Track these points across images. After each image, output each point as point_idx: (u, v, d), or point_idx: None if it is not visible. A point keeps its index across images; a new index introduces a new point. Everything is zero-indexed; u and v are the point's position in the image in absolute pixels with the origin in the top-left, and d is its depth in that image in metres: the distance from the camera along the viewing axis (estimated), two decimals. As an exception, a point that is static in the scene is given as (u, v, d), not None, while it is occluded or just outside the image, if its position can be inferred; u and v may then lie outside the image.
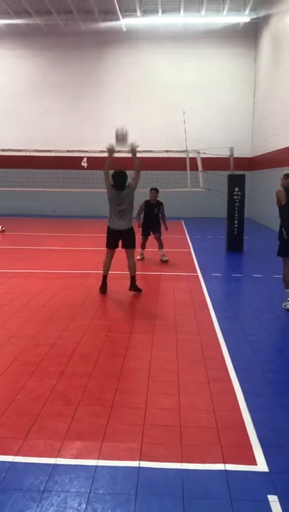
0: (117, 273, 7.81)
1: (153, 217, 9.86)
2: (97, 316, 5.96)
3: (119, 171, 7.07)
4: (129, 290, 7.16)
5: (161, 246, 9.97)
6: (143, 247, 9.87)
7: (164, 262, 9.63)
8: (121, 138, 7.11)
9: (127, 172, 7.15)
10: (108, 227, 7.22)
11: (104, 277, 7.21)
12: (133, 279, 7.23)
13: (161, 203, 9.97)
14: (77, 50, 19.89)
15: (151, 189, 9.93)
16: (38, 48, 20.01)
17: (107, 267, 7.23)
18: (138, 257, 9.70)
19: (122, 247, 7.26)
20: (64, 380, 4.06)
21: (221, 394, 3.87)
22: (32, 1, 17.08)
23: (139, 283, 7.36)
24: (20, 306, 6.35)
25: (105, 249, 7.30)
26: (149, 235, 9.91)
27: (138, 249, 9.34)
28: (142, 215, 9.87)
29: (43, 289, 7.31)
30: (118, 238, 7.19)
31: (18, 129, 19.78)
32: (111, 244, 7.23)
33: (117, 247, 7.27)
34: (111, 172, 7.11)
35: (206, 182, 13.49)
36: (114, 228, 7.13)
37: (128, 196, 7.09)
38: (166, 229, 10.05)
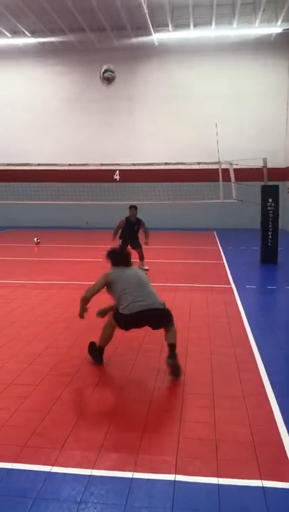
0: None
1: (132, 233, 9.97)
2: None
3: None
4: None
5: (141, 258, 9.99)
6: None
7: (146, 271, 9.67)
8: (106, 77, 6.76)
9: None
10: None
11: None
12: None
13: (141, 220, 10.03)
14: (110, 65, 20.24)
15: (130, 206, 10.04)
16: (72, 65, 20.51)
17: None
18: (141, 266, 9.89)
19: None
20: (98, 391, 4.10)
21: (257, 408, 3.82)
22: (66, 19, 17.55)
23: (170, 295, 7.36)
24: (55, 317, 6.45)
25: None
26: (127, 244, 9.83)
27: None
28: (119, 232, 9.96)
29: (77, 300, 7.38)
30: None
31: (53, 143, 20.25)
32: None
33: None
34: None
35: (239, 193, 13.40)
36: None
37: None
38: (146, 244, 9.96)
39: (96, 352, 4.84)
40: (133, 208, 10.04)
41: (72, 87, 20.59)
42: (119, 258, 5.01)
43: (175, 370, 4.42)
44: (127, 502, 2.69)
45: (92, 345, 4.95)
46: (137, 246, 9.97)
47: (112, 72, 6.83)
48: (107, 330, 4.82)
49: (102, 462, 3.06)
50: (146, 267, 9.84)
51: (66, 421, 3.58)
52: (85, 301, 4.94)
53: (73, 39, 19.03)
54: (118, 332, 5.75)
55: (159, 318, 4.64)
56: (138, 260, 9.92)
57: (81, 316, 4.98)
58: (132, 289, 4.59)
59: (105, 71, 6.94)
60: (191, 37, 18.64)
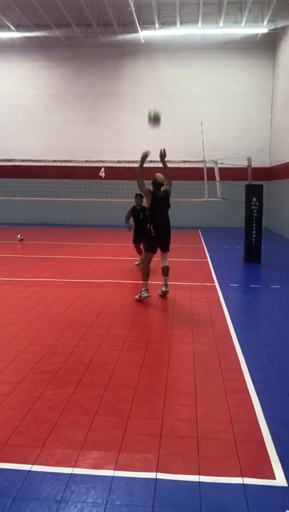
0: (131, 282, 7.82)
1: (141, 223, 9.96)
2: (114, 326, 5.97)
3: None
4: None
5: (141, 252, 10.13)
6: (140, 252, 9.99)
7: (136, 265, 9.98)
8: (154, 117, 7.43)
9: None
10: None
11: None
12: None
13: (145, 208, 10.05)
14: (96, 61, 20.18)
15: (136, 195, 10.10)
16: (58, 60, 20.36)
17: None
18: (136, 263, 10.13)
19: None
20: (81, 390, 4.08)
21: (239, 406, 3.83)
22: (52, 15, 17.41)
23: (154, 293, 7.42)
24: (38, 314, 6.40)
25: (143, 254, 7.95)
26: (140, 242, 9.95)
27: (138, 256, 10.10)
28: (131, 221, 10.15)
29: (60, 297, 7.36)
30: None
31: (38, 139, 20.09)
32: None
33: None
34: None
35: (223, 192, 13.48)
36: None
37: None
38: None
39: None
40: (138, 195, 10.08)
41: (58, 83, 20.45)
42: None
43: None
44: (108, 500, 2.67)
45: None
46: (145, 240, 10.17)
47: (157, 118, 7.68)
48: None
49: (84, 461, 3.04)
50: (136, 262, 9.98)
51: (48, 419, 3.55)
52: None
53: (59, 34, 18.91)
54: (102, 329, 5.74)
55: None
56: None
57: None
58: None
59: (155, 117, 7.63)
60: (178, 35, 18.68)
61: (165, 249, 7.59)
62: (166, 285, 7.53)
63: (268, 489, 2.80)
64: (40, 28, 18.52)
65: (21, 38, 19.37)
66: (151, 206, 7.40)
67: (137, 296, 7.26)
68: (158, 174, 7.43)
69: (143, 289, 7.23)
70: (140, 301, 7.19)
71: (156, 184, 7.36)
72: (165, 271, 7.56)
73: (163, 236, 7.46)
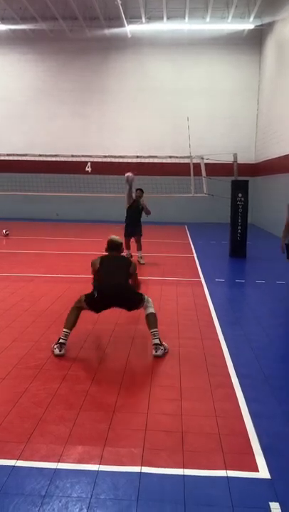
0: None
1: (135, 216, 10.14)
2: (99, 321, 5.96)
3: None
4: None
5: (139, 248, 10.22)
6: (128, 247, 9.99)
7: (142, 265, 9.77)
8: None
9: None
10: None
11: None
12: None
13: (142, 201, 10.33)
14: (82, 55, 20.02)
15: (137, 189, 10.30)
16: (43, 54, 20.15)
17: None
18: (141, 262, 9.90)
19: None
20: (66, 385, 4.07)
21: (224, 400, 3.86)
22: (38, 7, 17.22)
23: (142, 288, 7.38)
24: (23, 310, 6.36)
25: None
26: (131, 237, 10.14)
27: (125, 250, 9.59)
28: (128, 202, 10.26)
29: (46, 293, 7.33)
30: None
31: (23, 133, 19.89)
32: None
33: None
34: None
35: (209, 188, 13.52)
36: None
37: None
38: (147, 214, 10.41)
39: None
40: (139, 190, 10.39)
41: (43, 77, 20.24)
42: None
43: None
44: (93, 495, 2.68)
45: None
46: (139, 233, 10.28)
47: None
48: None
49: (68, 456, 3.04)
50: (143, 261, 9.96)
51: (32, 414, 3.54)
52: None
53: (45, 27, 18.70)
54: (88, 325, 5.72)
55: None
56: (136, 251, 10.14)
57: None
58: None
59: None
60: (165, 30, 18.63)
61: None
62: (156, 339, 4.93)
63: (252, 481, 2.83)
64: (25, 20, 18.30)
65: (6, 30, 19.11)
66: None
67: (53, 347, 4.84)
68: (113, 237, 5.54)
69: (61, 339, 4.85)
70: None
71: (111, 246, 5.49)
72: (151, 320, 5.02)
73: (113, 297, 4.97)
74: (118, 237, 5.59)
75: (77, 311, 4.96)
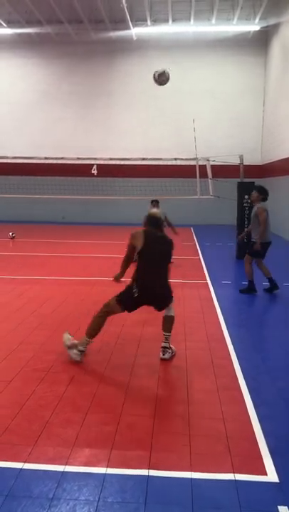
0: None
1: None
2: (105, 324, 5.95)
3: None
4: None
5: None
6: None
7: None
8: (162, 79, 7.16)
9: None
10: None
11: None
12: None
13: (165, 215, 9.79)
14: (88, 58, 20.09)
15: (152, 201, 10.18)
16: (49, 57, 20.24)
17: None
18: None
19: None
20: (73, 387, 4.06)
21: (231, 403, 3.84)
22: (43, 11, 17.29)
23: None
24: (29, 312, 6.37)
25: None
26: None
27: None
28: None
29: (52, 295, 7.33)
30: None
31: (29, 136, 19.97)
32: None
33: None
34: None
35: (215, 189, 13.50)
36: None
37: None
38: (176, 233, 9.87)
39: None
40: (154, 201, 10.48)
41: (49, 80, 20.33)
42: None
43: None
44: (100, 498, 2.67)
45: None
46: None
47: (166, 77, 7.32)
48: None
49: (75, 458, 3.03)
50: None
51: (39, 417, 3.54)
52: None
53: (50, 31, 18.78)
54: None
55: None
56: None
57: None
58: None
59: (161, 76, 7.41)
60: (170, 32, 18.65)
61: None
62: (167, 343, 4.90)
63: (260, 485, 2.81)
64: (31, 24, 18.38)
65: (12, 34, 19.21)
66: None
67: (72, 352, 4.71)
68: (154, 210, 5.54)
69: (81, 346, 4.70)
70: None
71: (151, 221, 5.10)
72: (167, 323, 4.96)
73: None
74: None
75: (103, 319, 4.69)
